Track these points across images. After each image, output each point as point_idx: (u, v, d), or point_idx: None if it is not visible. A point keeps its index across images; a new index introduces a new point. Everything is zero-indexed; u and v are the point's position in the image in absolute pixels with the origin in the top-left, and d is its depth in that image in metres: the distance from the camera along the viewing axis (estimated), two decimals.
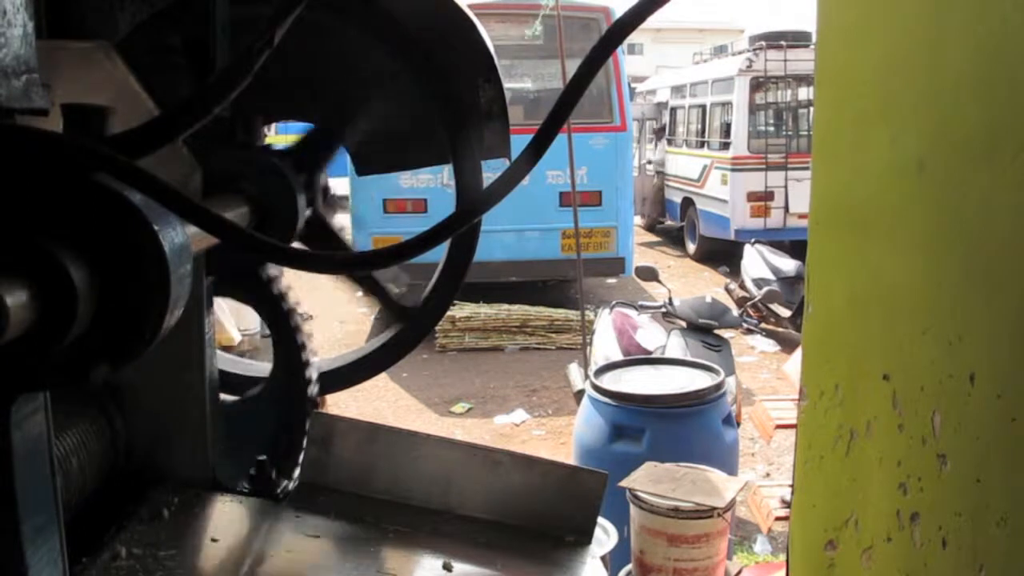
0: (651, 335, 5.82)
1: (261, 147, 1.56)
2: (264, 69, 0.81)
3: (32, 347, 0.71)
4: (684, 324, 5.66)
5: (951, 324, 0.95)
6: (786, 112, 12.79)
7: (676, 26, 34.30)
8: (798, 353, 3.20)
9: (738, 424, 4.40)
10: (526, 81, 9.94)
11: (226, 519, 1.47)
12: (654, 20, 1.00)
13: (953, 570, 0.94)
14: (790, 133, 12.54)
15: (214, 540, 1.42)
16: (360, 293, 1.95)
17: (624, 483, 3.10)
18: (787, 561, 1.32)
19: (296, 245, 1.53)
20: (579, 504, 1.55)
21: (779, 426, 4.59)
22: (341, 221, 1.87)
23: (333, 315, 9.19)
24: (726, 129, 12.76)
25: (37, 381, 0.76)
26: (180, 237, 0.77)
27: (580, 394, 4.73)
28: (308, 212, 1.53)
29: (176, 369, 1.42)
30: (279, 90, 1.49)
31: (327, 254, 1.50)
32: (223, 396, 1.58)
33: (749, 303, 7.54)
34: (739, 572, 3.40)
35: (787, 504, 3.93)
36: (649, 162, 15.99)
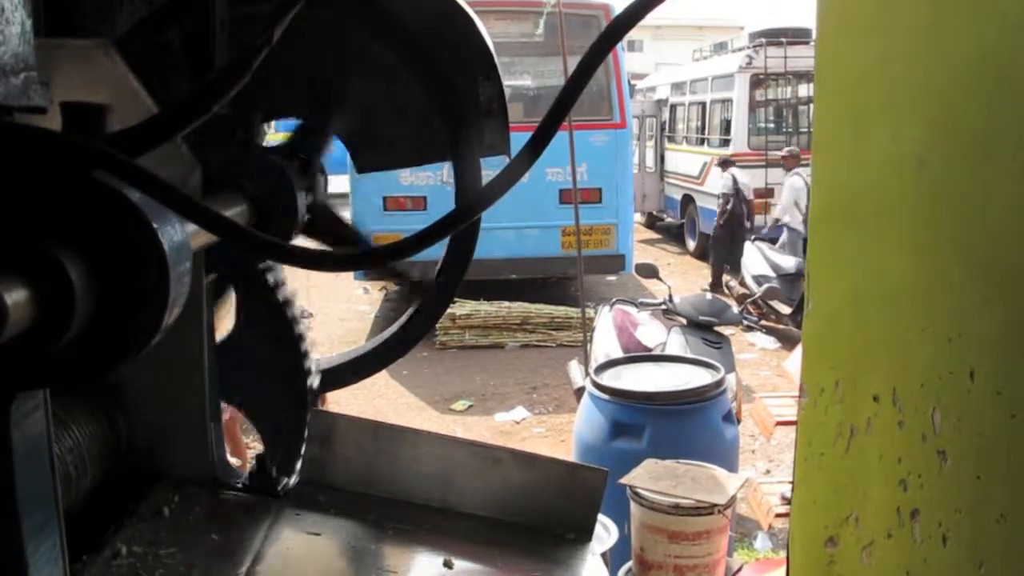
0: (651, 332, 5.82)
1: (260, 145, 1.55)
2: (263, 66, 0.81)
3: (31, 345, 0.71)
4: (684, 321, 5.66)
5: (951, 321, 0.95)
6: (786, 109, 12.79)
7: (676, 23, 34.25)
8: (798, 350, 3.20)
9: (738, 421, 4.40)
10: (526, 78, 9.94)
11: (226, 517, 1.47)
12: (654, 17, 1.00)
13: (953, 566, 0.94)
14: (790, 130, 12.54)
15: (214, 538, 1.42)
16: (362, 291, 1.94)
17: (624, 480, 3.10)
18: (787, 558, 1.32)
19: (302, 239, 1.53)
20: (579, 501, 1.56)
21: (779, 423, 4.59)
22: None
23: (333, 312, 9.19)
24: (726, 126, 12.75)
25: (37, 379, 0.76)
26: (179, 235, 0.77)
27: (580, 391, 4.73)
28: (310, 199, 1.52)
29: (176, 367, 1.42)
30: (277, 87, 1.49)
31: (327, 252, 1.49)
32: None
33: (749, 300, 7.55)
34: (739, 569, 3.40)
35: (787, 501, 3.94)
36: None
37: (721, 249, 10.85)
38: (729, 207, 10.75)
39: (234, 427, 3.92)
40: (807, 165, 10.42)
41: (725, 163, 11.16)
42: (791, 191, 10.07)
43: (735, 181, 10.76)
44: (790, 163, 10.36)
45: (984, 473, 0.90)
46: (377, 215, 8.74)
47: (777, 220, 10.32)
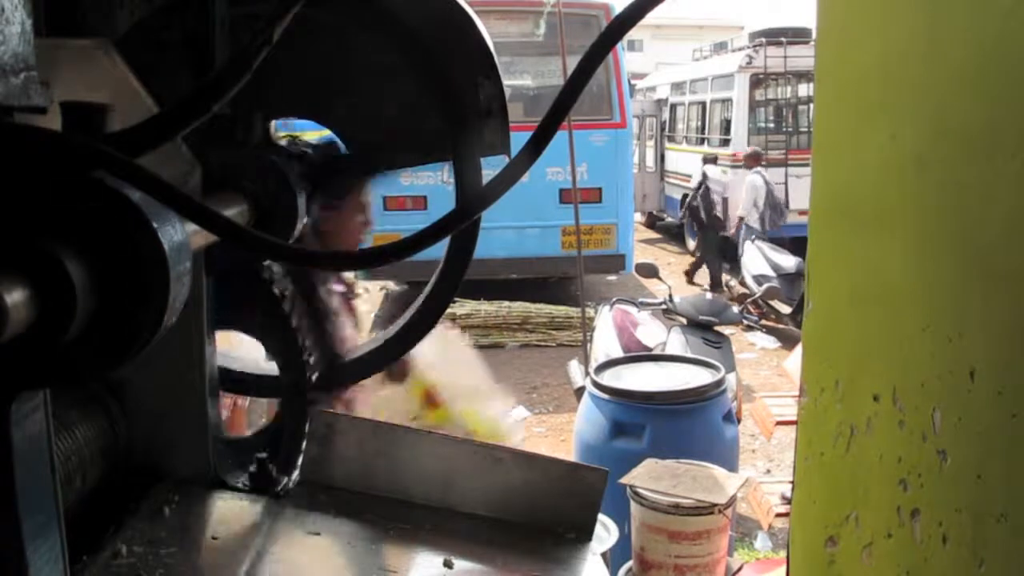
0: (651, 332, 5.82)
1: (261, 144, 1.55)
2: (261, 66, 0.81)
3: (32, 345, 0.71)
4: (684, 321, 5.66)
5: (951, 320, 0.95)
6: (786, 109, 12.80)
7: (676, 23, 34.25)
8: (798, 350, 3.20)
9: (738, 421, 4.41)
10: (526, 78, 9.94)
11: (227, 517, 1.47)
12: (654, 16, 1.00)
13: (953, 566, 0.94)
14: (790, 130, 12.55)
15: (215, 538, 1.42)
16: (361, 291, 1.94)
17: (625, 480, 3.10)
18: (788, 557, 1.32)
19: None
20: (580, 501, 1.56)
21: (779, 423, 4.60)
22: None
23: None
24: (726, 126, 12.76)
25: (37, 379, 0.76)
26: (179, 235, 0.77)
27: (581, 391, 4.73)
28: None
29: (176, 367, 1.42)
30: (275, 86, 1.49)
31: (327, 252, 1.49)
32: None
33: (749, 300, 7.56)
34: (740, 568, 3.41)
35: (787, 500, 3.94)
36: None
37: (709, 248, 11.01)
38: (688, 198, 10.96)
39: (241, 421, 3.89)
40: (766, 165, 10.61)
41: (706, 159, 11.29)
42: (751, 190, 10.22)
43: (704, 176, 10.92)
44: (751, 162, 10.54)
45: (984, 473, 0.90)
46: (377, 215, 8.74)
47: (741, 219, 10.46)
